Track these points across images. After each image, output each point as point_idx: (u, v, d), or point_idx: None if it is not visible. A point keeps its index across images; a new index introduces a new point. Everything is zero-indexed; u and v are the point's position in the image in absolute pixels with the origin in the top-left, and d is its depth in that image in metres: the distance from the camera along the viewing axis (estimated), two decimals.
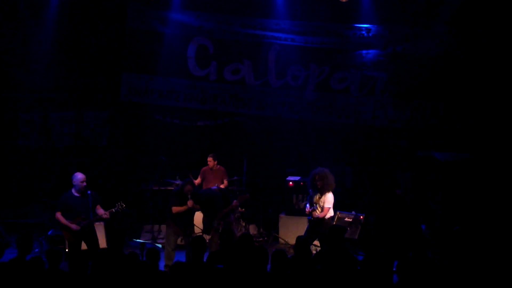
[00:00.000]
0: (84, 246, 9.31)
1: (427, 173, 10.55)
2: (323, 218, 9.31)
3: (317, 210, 9.34)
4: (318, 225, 9.34)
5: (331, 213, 9.49)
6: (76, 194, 9.05)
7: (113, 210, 9.15)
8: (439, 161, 9.93)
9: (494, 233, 9.20)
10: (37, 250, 10.22)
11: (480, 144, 11.11)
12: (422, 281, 6.77)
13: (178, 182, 11.31)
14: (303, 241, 7.23)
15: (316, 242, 10.85)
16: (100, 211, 9.16)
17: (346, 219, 10.55)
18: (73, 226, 8.98)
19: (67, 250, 10.28)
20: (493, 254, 8.63)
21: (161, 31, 12.55)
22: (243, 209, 11.16)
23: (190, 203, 9.52)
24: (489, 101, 11.43)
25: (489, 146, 11.04)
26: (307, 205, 9.59)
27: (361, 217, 10.55)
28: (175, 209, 9.59)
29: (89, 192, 9.06)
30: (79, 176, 9.08)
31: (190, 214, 9.85)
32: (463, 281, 7.42)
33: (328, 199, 9.33)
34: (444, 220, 9.60)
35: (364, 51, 12.13)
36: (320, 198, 9.37)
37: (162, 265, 8.96)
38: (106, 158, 12.85)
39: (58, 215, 9.05)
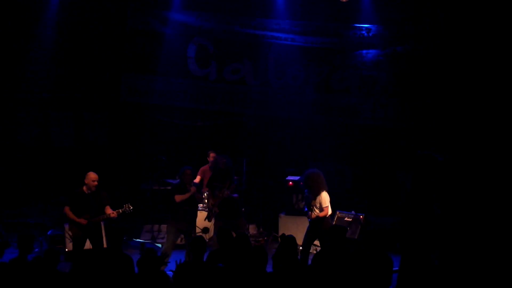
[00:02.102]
0: (86, 245, 9.35)
1: (427, 173, 10.52)
2: (324, 217, 9.28)
3: (314, 212, 9.29)
4: (317, 225, 9.31)
5: (329, 211, 9.45)
6: (86, 191, 9.13)
7: (120, 211, 9.22)
8: (439, 161, 9.92)
9: (494, 233, 9.20)
10: (37, 250, 10.22)
11: (481, 143, 11.11)
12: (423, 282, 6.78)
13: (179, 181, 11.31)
14: (290, 239, 7.23)
15: (316, 242, 10.88)
16: (109, 211, 9.24)
17: (346, 219, 10.55)
18: (81, 221, 9.07)
19: (66, 250, 10.31)
20: (493, 254, 8.64)
21: (161, 31, 12.56)
22: (243, 209, 11.15)
23: (193, 188, 9.55)
24: (490, 101, 11.43)
25: (489, 146, 11.03)
26: (305, 207, 9.55)
27: (361, 217, 10.54)
28: (178, 197, 9.57)
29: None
30: (92, 175, 9.16)
31: (193, 212, 9.82)
32: (463, 281, 7.43)
33: (324, 198, 9.27)
34: (444, 221, 9.59)
35: (364, 51, 12.14)
36: (314, 199, 9.33)
37: None
38: (106, 158, 12.84)
39: (67, 209, 9.12)
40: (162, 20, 12.52)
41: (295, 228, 10.99)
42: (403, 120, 12.15)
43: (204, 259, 7.15)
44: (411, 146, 11.63)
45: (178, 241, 10.18)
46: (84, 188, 9.16)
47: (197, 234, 9.87)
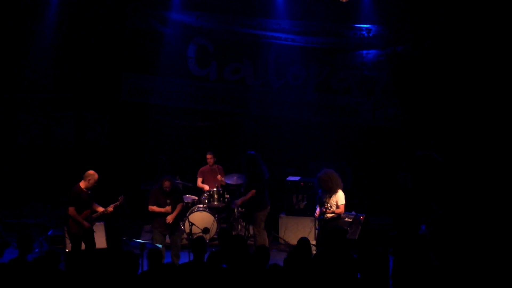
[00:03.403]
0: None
1: (427, 173, 10.54)
2: (339, 215, 9.30)
3: (329, 211, 9.28)
4: (330, 224, 9.27)
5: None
6: (85, 189, 9.18)
7: (117, 203, 9.32)
8: (439, 161, 9.94)
9: (493, 233, 9.21)
10: (37, 250, 10.23)
11: (481, 143, 11.10)
12: (422, 281, 6.78)
13: (178, 182, 11.32)
14: (305, 242, 7.25)
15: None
16: (98, 207, 9.36)
17: (346, 219, 10.52)
18: (86, 224, 9.16)
19: (66, 250, 10.31)
20: (493, 254, 8.64)
21: (161, 31, 12.56)
22: (243, 209, 11.14)
23: (168, 208, 9.53)
24: (490, 101, 11.42)
25: (489, 146, 11.03)
26: (317, 207, 9.51)
27: (361, 217, 10.53)
28: (151, 208, 9.63)
29: None
30: (97, 176, 9.26)
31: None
32: (462, 281, 7.43)
33: (340, 197, 9.33)
34: (444, 220, 9.60)
35: (364, 51, 12.14)
36: (330, 198, 9.35)
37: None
38: (106, 158, 12.84)
39: (72, 210, 9.13)
40: (162, 20, 12.52)
41: (295, 228, 11.01)
42: (403, 120, 12.15)
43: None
44: (411, 146, 11.64)
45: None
46: (83, 185, 9.20)
47: (198, 235, 9.86)
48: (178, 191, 10.01)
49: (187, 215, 10.91)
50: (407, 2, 11.75)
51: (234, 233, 10.24)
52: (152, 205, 9.64)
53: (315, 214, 9.48)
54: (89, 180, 9.19)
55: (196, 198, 11.41)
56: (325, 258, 7.11)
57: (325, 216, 9.30)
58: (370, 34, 11.98)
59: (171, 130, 12.95)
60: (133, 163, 12.92)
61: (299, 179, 11.42)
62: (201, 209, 11.00)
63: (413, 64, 11.90)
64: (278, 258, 9.22)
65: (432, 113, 11.91)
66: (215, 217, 10.97)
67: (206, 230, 10.78)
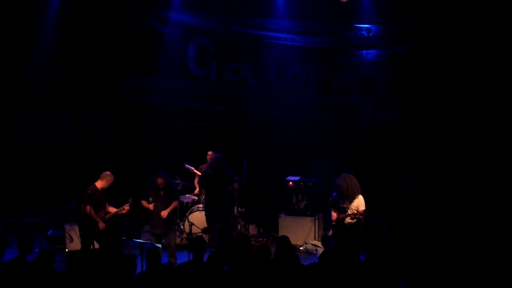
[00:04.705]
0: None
1: (427, 173, 10.54)
2: (359, 221, 9.18)
3: (350, 216, 9.16)
4: (353, 229, 9.14)
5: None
6: (100, 189, 9.24)
7: (129, 203, 9.38)
8: (439, 161, 9.94)
9: (493, 233, 9.21)
10: (37, 250, 10.22)
11: (481, 144, 11.10)
12: (423, 281, 6.78)
13: (178, 181, 11.32)
14: (284, 240, 7.25)
15: (317, 242, 10.87)
16: (111, 208, 9.41)
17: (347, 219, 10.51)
18: (101, 225, 9.20)
19: (66, 250, 10.31)
20: (492, 254, 8.65)
21: (161, 31, 12.57)
22: (243, 209, 11.15)
23: (151, 206, 9.52)
24: (489, 101, 11.42)
25: (489, 146, 11.03)
26: (331, 210, 9.35)
27: (361, 217, 10.51)
28: (142, 202, 9.67)
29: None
30: (113, 177, 9.40)
31: (168, 216, 9.75)
32: (462, 281, 7.44)
33: (361, 202, 9.18)
34: (444, 220, 9.59)
35: (364, 51, 12.14)
36: (351, 203, 9.22)
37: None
38: (106, 158, 12.84)
39: (88, 208, 9.11)
40: (162, 20, 12.53)
41: (295, 228, 11.01)
42: (403, 120, 12.14)
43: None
44: (411, 146, 11.64)
45: (178, 241, 10.18)
46: (99, 185, 9.27)
47: (197, 234, 9.87)
48: (172, 189, 9.90)
49: (187, 215, 10.92)
50: (407, 2, 11.75)
51: (234, 233, 10.24)
52: (143, 200, 9.71)
53: (332, 219, 9.24)
54: (107, 180, 9.31)
55: (196, 198, 11.42)
56: (331, 258, 7.09)
57: (346, 222, 9.14)
58: (370, 34, 11.98)
59: (171, 130, 12.95)
60: (133, 163, 12.92)
61: (299, 179, 11.41)
62: (201, 209, 11.00)
63: (413, 64, 11.89)
64: None
65: (432, 113, 11.91)
66: None
67: (206, 230, 10.78)
